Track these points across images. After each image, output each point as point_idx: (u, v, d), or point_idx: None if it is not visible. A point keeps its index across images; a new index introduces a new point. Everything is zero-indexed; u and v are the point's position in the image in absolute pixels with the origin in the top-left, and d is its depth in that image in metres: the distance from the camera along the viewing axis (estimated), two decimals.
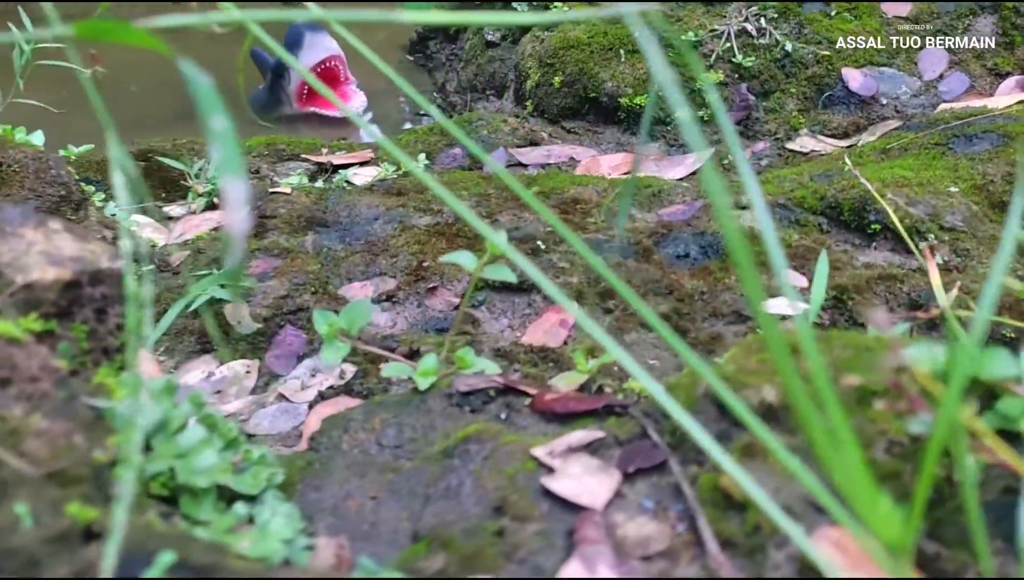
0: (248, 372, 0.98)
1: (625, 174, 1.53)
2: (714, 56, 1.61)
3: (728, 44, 1.61)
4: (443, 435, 0.71)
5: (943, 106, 1.47)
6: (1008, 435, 0.52)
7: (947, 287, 1.06)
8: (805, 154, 1.47)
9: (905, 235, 0.97)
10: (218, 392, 0.96)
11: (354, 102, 2.51)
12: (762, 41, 1.60)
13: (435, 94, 2.52)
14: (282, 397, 0.95)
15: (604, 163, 1.58)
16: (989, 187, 1.17)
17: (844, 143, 1.47)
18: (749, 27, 1.62)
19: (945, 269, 1.09)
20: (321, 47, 2.42)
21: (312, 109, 2.50)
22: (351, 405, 0.89)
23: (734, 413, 0.62)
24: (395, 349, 1.01)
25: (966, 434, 0.37)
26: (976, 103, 1.43)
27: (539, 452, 0.64)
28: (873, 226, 1.15)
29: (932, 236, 1.12)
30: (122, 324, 0.62)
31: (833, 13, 1.61)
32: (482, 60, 2.25)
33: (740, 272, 0.33)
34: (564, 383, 0.79)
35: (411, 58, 2.78)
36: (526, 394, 0.75)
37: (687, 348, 0.45)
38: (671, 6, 1.71)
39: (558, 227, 0.42)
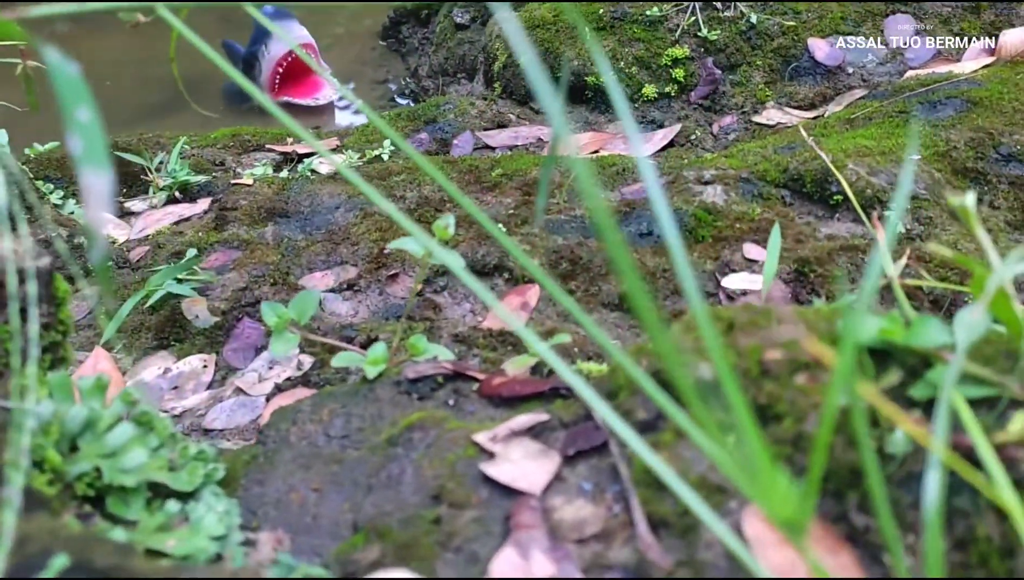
0: (205, 366, 0.97)
1: (593, 153, 1.52)
2: (679, 31, 1.59)
3: (693, 18, 1.59)
4: (390, 423, 0.71)
5: (910, 73, 1.45)
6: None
7: (912, 256, 1.06)
8: (772, 127, 1.45)
9: (856, 205, 0.96)
10: (175, 388, 0.95)
11: (327, 90, 2.49)
12: (727, 14, 1.58)
13: (408, 79, 2.50)
14: (239, 390, 0.94)
15: (572, 142, 1.56)
16: (952, 153, 1.16)
17: (811, 114, 1.45)
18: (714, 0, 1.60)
19: (908, 237, 1.09)
20: (291, 35, 2.40)
21: (285, 98, 2.48)
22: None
23: (673, 390, 0.61)
24: (354, 338, 1.01)
25: (864, 405, 0.36)
26: (942, 69, 1.42)
27: (481, 438, 0.64)
28: (835, 197, 1.14)
29: (895, 205, 1.11)
30: (50, 323, 0.62)
31: None
32: (452, 43, 2.23)
33: (612, 255, 0.32)
34: (514, 367, 0.78)
35: (384, 43, 2.76)
36: (475, 379, 0.75)
37: (605, 336, 0.45)
38: None
39: (453, 192, 0.41)
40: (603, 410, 0.45)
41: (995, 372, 0.51)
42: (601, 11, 1.65)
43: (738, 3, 1.58)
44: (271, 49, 2.41)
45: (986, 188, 1.13)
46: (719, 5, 1.59)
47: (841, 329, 0.56)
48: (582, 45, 1.65)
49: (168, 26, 0.56)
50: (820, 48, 1.50)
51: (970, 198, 0.56)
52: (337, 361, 0.81)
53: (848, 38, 1.51)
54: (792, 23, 1.54)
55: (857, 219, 1.13)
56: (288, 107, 2.49)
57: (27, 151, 1.72)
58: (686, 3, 1.61)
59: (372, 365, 0.78)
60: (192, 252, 1.09)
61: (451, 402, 0.73)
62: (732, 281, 1.06)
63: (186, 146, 1.59)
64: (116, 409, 0.60)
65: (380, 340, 1.00)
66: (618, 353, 0.43)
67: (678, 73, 1.57)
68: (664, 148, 1.51)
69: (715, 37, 1.56)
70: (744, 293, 1.05)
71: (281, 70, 2.43)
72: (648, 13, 1.62)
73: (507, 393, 0.71)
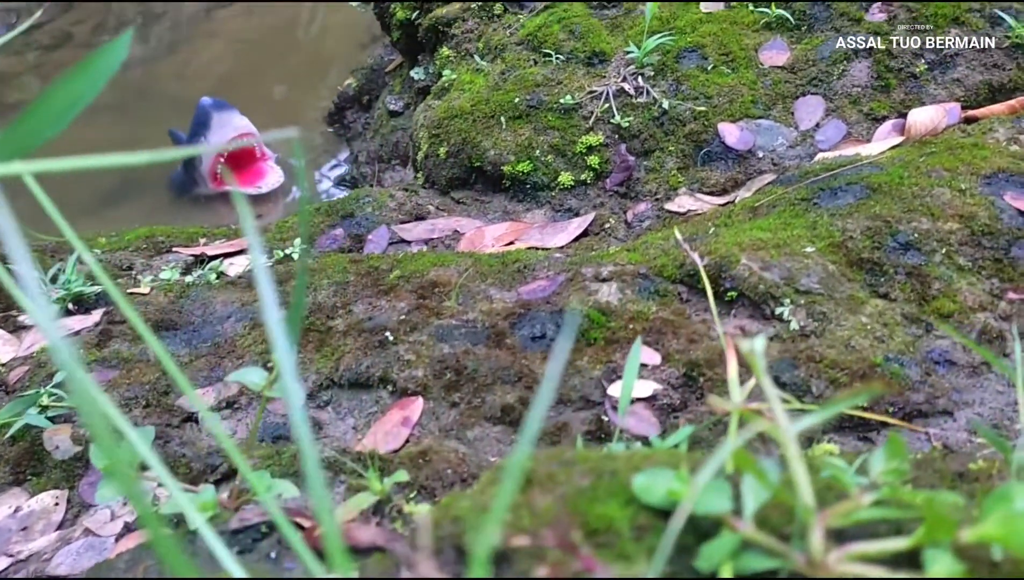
0: (57, 504, 0.92)
1: (508, 244, 1.50)
2: (593, 118, 1.58)
3: (607, 105, 1.58)
4: None
5: (820, 155, 1.44)
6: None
7: (803, 354, 1.02)
8: (683, 214, 1.43)
9: (713, 308, 0.92)
10: (24, 529, 0.90)
11: (270, 178, 2.48)
12: (640, 100, 1.58)
13: (350, 165, 2.50)
14: (89, 531, 0.89)
15: (488, 234, 1.54)
16: (848, 244, 1.13)
17: (722, 200, 1.43)
18: (627, 87, 1.59)
19: (802, 335, 1.05)
20: (230, 125, 2.40)
21: (227, 188, 2.47)
22: None
23: (468, 556, 0.56)
24: (217, 467, 0.96)
25: None
26: (850, 151, 1.40)
27: None
28: (730, 293, 1.11)
29: (788, 301, 1.07)
30: None
31: (710, 68, 1.59)
32: (386, 130, 2.23)
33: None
34: (346, 510, 0.73)
35: (331, 129, 2.76)
36: (301, 527, 0.70)
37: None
38: (551, 69, 1.69)
39: None
40: None
41: (780, 540, 0.47)
42: (517, 100, 1.64)
43: (650, 89, 1.58)
44: (210, 140, 2.41)
45: (883, 279, 1.10)
46: (632, 91, 1.58)
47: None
48: (499, 134, 1.64)
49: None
50: (730, 133, 1.49)
51: (759, 343, 0.53)
52: (167, 508, 0.76)
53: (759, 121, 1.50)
54: (703, 108, 1.53)
55: (753, 315, 1.10)
56: (231, 197, 2.48)
57: None
58: (600, 90, 1.60)
59: (200, 512, 0.73)
60: (60, 375, 1.05)
61: (273, 555, 0.68)
62: (619, 388, 1.02)
63: (96, 250, 1.57)
64: None
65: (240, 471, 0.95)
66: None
67: (593, 160, 1.56)
68: (579, 237, 1.49)
69: (627, 124, 1.55)
70: (632, 401, 1.01)
71: (222, 160, 2.43)
72: (563, 101, 1.61)
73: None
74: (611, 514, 0.51)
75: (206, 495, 0.74)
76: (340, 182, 2.44)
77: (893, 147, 1.39)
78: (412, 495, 0.89)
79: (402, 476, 0.77)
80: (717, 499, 0.48)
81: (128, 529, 0.88)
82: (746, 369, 1.02)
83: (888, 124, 1.45)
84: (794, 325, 1.06)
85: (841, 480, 0.51)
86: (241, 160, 2.50)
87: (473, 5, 1.94)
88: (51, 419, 1.02)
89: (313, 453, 0.35)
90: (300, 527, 0.70)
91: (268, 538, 0.70)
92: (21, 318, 1.33)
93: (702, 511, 0.48)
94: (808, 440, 0.97)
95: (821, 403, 0.97)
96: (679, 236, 1.11)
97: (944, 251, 1.11)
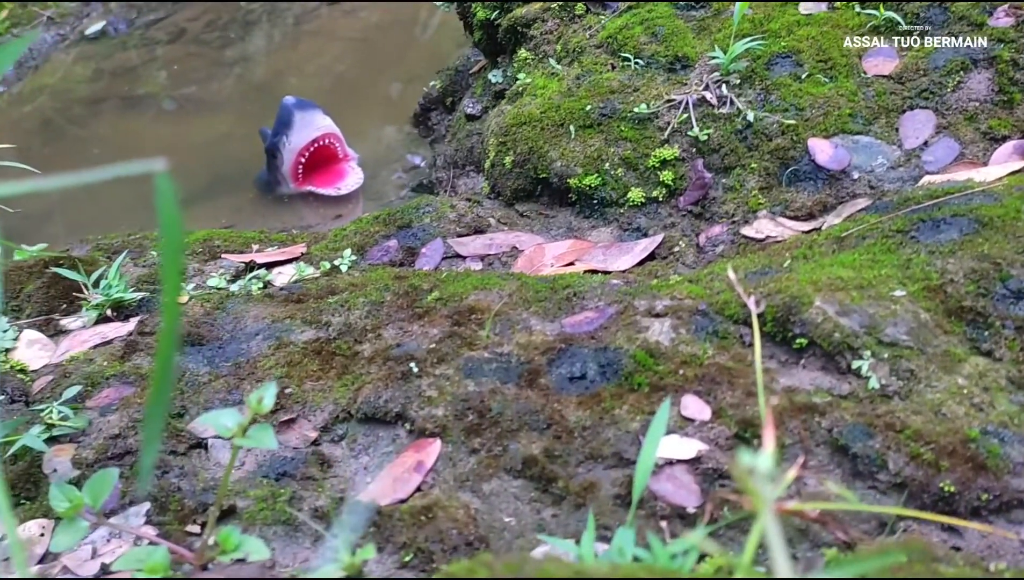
0: (42, 535, 0.87)
1: (568, 265, 1.38)
2: (669, 129, 1.44)
3: (686, 115, 1.44)
4: None
5: (926, 179, 1.25)
6: None
7: (881, 421, 0.87)
8: (760, 240, 1.28)
9: (758, 361, 0.78)
10: (6, 560, 0.85)
11: (350, 179, 2.44)
12: (723, 110, 1.43)
13: (429, 168, 2.43)
14: (67, 569, 0.83)
15: (549, 252, 1.43)
16: (947, 288, 0.97)
17: (806, 226, 1.27)
18: (709, 96, 1.45)
19: (883, 396, 0.90)
20: (312, 126, 2.37)
21: (308, 188, 2.44)
22: None
23: None
24: (209, 505, 0.89)
25: None
26: (962, 175, 1.22)
27: None
28: (799, 341, 0.96)
29: (868, 353, 0.92)
30: None
31: (805, 76, 1.42)
32: (462, 134, 2.14)
33: None
34: None
35: (415, 130, 2.70)
36: None
37: None
38: (628, 74, 1.56)
39: None
40: None
41: None
42: (588, 107, 1.52)
43: (735, 99, 1.43)
44: (292, 140, 2.39)
45: (987, 333, 0.93)
46: (714, 101, 1.44)
47: None
48: (567, 144, 1.52)
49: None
50: (822, 150, 1.32)
51: (763, 461, 0.40)
52: (121, 564, 0.69)
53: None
54: (793, 121, 1.37)
55: (826, 367, 0.95)
56: (312, 197, 2.45)
57: (17, 254, 1.70)
58: (679, 98, 1.47)
59: (149, 573, 0.65)
60: (71, 391, 1.00)
61: None
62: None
63: (154, 252, 1.54)
64: None
65: (238, 510, 0.88)
66: None
67: (667, 176, 1.42)
68: (644, 260, 1.36)
69: (706, 136, 1.41)
70: (670, 463, 0.88)
71: (304, 160, 2.40)
72: (637, 110, 1.48)
73: None
74: None
75: (157, 555, 0.66)
76: (417, 187, 2.37)
77: (1013, 173, 1.20)
78: (408, 558, 0.80)
79: (369, 553, 0.67)
80: None
81: (104, 571, 0.82)
82: (808, 431, 0.88)
83: (1009, 145, 1.26)
84: (874, 383, 0.90)
85: None
86: (323, 161, 2.46)
87: (554, 5, 1.83)
88: (55, 439, 0.98)
89: None
90: None
91: None
92: (63, 322, 1.31)
93: None
94: (881, 526, 0.82)
95: (898, 486, 0.82)
96: (732, 274, 0.96)
97: None
